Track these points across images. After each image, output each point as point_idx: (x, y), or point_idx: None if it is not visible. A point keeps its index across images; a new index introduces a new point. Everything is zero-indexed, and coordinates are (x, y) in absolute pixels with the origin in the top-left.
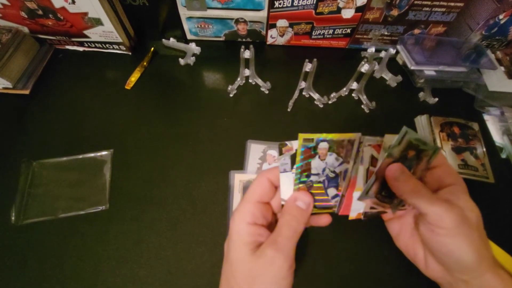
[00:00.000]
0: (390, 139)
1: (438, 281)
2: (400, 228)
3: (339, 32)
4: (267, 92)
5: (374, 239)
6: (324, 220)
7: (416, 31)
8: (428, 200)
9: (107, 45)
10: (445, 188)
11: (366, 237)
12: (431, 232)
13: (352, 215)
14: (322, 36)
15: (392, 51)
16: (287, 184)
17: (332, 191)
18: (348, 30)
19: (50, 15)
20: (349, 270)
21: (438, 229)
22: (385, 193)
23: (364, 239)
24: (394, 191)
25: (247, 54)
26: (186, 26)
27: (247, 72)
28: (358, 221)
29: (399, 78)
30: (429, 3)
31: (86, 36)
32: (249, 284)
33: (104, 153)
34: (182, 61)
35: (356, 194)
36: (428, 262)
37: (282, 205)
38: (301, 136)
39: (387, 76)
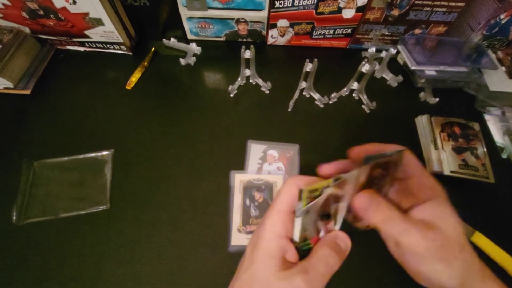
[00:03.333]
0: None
1: None
2: (385, 239)
3: (340, 32)
4: (267, 92)
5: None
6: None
7: (417, 31)
8: (400, 229)
9: (108, 45)
10: (422, 205)
11: (367, 236)
12: (407, 257)
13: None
14: (322, 36)
15: (393, 51)
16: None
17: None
18: (349, 30)
19: (51, 15)
20: (349, 270)
21: (414, 257)
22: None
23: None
24: (365, 220)
25: (247, 54)
26: (186, 26)
27: (247, 72)
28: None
29: (400, 78)
30: (430, 3)
31: (87, 36)
32: None
33: (105, 153)
34: (182, 61)
35: None
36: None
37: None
38: (306, 189)
39: (388, 76)
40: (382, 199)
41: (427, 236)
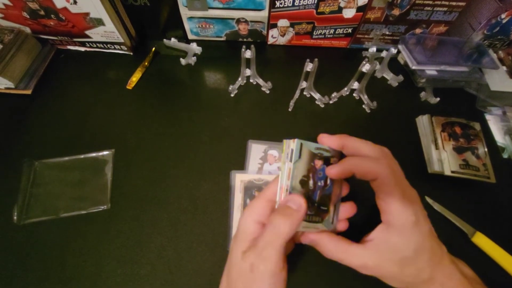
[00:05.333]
0: (288, 145)
1: None
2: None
3: (340, 32)
4: (268, 92)
5: None
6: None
7: (418, 30)
8: (342, 258)
9: (108, 45)
10: (372, 232)
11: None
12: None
13: None
14: (323, 36)
15: (394, 50)
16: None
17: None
18: (349, 30)
19: (52, 16)
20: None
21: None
22: (312, 211)
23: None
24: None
25: (248, 54)
26: (187, 26)
27: (248, 72)
28: (358, 221)
29: (401, 78)
30: (430, 2)
31: (88, 36)
32: (243, 284)
33: (105, 153)
34: (183, 61)
35: None
36: None
37: None
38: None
39: (389, 76)
40: (324, 236)
41: (365, 266)
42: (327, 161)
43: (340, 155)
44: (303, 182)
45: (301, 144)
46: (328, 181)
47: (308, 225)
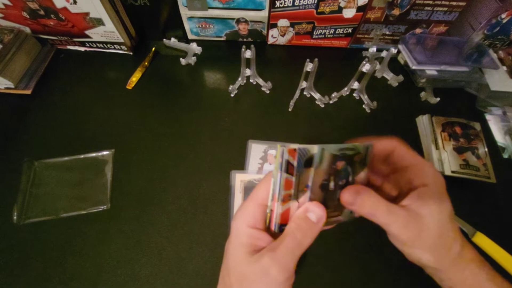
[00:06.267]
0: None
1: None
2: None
3: (340, 32)
4: (268, 92)
5: (375, 240)
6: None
7: (418, 30)
8: (385, 219)
9: (108, 45)
10: (413, 192)
11: (367, 237)
12: (393, 241)
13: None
14: (323, 36)
15: (394, 50)
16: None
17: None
18: (350, 30)
19: (52, 15)
20: (350, 270)
21: (398, 242)
22: (332, 209)
23: (364, 239)
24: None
25: (248, 54)
26: (187, 26)
27: (248, 72)
28: (358, 222)
29: (401, 77)
30: (430, 2)
31: (88, 36)
32: (247, 286)
33: (105, 153)
34: (183, 61)
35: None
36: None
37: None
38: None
39: (389, 75)
40: (368, 191)
41: (408, 226)
42: (350, 160)
43: (366, 150)
44: (324, 186)
45: (323, 150)
46: (350, 178)
47: (327, 221)
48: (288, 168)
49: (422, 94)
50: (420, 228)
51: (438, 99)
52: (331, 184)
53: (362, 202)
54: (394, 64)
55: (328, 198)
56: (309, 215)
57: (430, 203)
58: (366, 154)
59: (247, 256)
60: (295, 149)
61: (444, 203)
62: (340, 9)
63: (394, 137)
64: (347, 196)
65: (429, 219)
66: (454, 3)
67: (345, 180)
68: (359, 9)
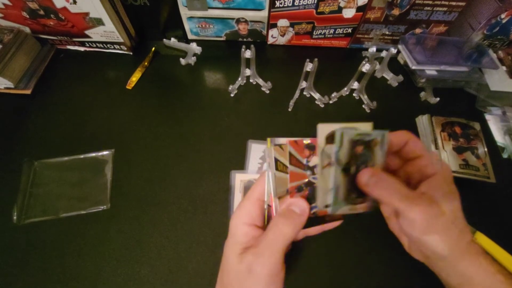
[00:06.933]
0: (325, 130)
1: (421, 261)
2: (390, 212)
3: (340, 32)
4: (268, 92)
5: (375, 239)
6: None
7: (418, 30)
8: (400, 201)
9: (108, 45)
10: (425, 180)
11: (367, 236)
12: (407, 227)
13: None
14: (323, 36)
15: (393, 50)
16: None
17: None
18: (349, 30)
19: (52, 15)
20: (350, 270)
21: (412, 228)
22: (356, 194)
23: (365, 239)
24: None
25: (248, 54)
26: (187, 26)
27: (248, 72)
28: (358, 221)
29: (400, 77)
30: (430, 2)
31: (87, 36)
32: (238, 285)
33: (105, 153)
34: (183, 61)
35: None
36: (411, 246)
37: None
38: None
39: (388, 75)
40: (385, 174)
41: (424, 210)
42: (367, 145)
43: (383, 137)
44: (345, 170)
45: (342, 134)
46: (370, 164)
47: (352, 208)
48: (291, 160)
49: (422, 94)
50: (436, 212)
51: (438, 99)
52: (352, 168)
53: (380, 184)
54: (394, 64)
55: (351, 183)
56: (293, 208)
57: (445, 189)
58: (383, 141)
59: (238, 255)
60: (296, 141)
61: (456, 190)
62: (340, 9)
63: (406, 130)
64: (364, 177)
65: (444, 204)
66: (453, 3)
67: (364, 166)
68: (359, 9)
